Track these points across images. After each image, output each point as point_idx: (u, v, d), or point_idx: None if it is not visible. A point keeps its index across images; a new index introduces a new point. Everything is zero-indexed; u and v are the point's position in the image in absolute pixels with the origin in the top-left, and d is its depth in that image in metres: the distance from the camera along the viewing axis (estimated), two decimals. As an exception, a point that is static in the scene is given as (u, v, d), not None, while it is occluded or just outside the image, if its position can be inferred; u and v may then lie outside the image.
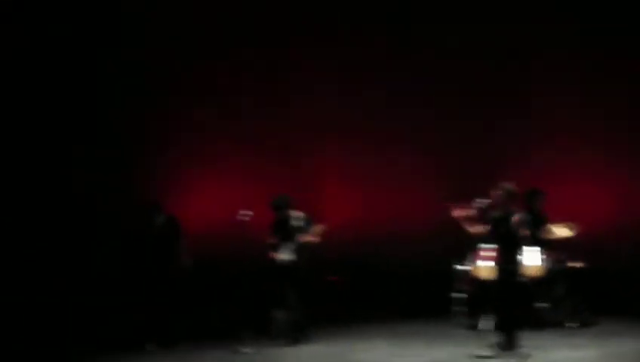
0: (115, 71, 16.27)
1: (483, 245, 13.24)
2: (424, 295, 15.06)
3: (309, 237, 13.26)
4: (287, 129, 16.61)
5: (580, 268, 14.12)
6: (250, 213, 13.01)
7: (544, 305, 13.71)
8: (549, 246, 13.84)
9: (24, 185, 15.59)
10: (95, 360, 13.01)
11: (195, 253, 13.81)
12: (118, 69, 16.25)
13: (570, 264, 14.04)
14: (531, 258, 13.42)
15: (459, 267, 14.14)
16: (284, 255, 13.25)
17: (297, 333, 13.19)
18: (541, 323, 13.52)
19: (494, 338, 12.03)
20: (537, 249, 13.57)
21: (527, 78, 16.38)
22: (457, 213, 12.42)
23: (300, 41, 16.55)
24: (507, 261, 12.15)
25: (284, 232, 13.29)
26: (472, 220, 12.39)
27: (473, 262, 13.70)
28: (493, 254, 12.36)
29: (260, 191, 13.97)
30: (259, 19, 16.48)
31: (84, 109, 16.16)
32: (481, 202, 12.24)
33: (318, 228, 13.33)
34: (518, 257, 12.29)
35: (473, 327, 13.17)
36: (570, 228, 14.01)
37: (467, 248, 13.62)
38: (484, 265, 13.17)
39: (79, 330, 14.10)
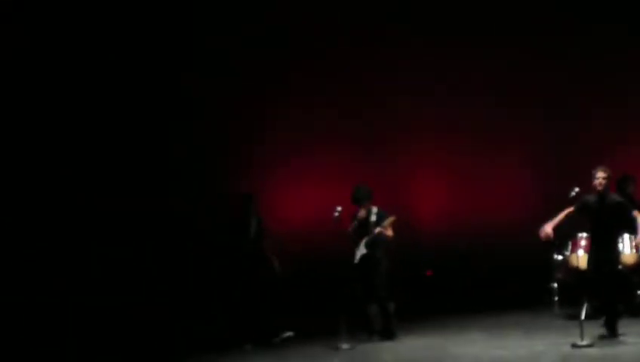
0: (208, 65, 16.22)
1: (582, 234, 13.15)
2: (520, 286, 14.98)
3: (381, 231, 12.97)
4: (383, 127, 16.61)
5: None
6: (340, 208, 13.00)
7: (640, 292, 13.67)
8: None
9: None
10: (194, 361, 13.10)
11: (290, 251, 13.84)
12: (211, 63, 16.17)
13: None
14: (626, 245, 13.37)
15: (558, 257, 14.10)
16: (362, 249, 13.14)
17: (391, 327, 13.13)
18: (638, 310, 13.47)
19: (594, 327, 12.00)
20: (628, 236, 13.48)
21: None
22: None
23: (393, 41, 16.59)
24: (605, 249, 12.08)
25: (364, 227, 13.13)
26: None
27: (572, 251, 13.65)
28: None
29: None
30: (349, 18, 16.52)
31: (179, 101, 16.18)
32: (575, 191, 12.16)
33: (389, 221, 13.01)
34: (618, 245, 12.24)
35: (572, 317, 13.09)
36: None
37: (566, 238, 13.58)
38: (584, 255, 13.12)
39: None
